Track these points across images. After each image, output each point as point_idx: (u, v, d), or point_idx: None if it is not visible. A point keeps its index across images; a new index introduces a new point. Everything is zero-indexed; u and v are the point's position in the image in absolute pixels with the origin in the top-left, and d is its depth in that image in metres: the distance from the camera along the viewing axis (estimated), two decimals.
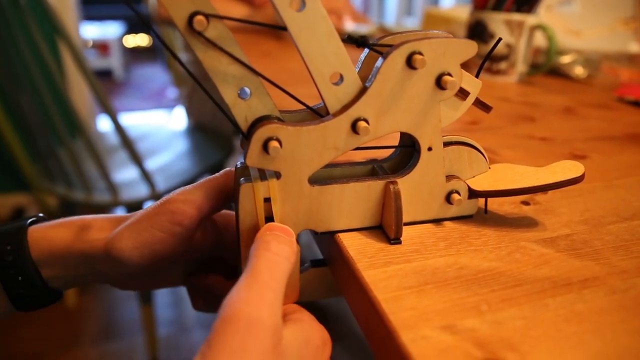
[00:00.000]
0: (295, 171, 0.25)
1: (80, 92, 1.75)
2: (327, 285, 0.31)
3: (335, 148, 0.25)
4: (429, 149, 0.27)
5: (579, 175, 0.28)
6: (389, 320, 0.21)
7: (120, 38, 3.66)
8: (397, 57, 0.24)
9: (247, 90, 0.24)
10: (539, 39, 0.70)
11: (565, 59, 0.72)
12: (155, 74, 3.83)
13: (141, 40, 4.39)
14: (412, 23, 3.02)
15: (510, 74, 0.67)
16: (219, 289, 0.34)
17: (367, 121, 0.25)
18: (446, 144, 0.28)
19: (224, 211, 0.33)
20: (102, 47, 3.46)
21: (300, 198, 0.26)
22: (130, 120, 2.78)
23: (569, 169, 0.28)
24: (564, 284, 0.24)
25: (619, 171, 0.39)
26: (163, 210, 0.29)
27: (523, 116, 0.52)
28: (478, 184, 0.28)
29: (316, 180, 0.26)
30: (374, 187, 0.27)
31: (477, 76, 0.27)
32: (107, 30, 3.56)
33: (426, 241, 0.27)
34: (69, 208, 1.10)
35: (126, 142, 0.91)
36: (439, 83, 0.25)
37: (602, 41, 0.94)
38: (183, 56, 1.44)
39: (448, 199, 0.28)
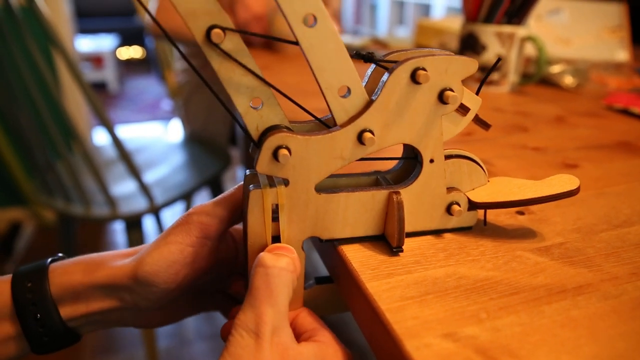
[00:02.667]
0: (303, 179, 0.26)
1: (76, 105, 1.75)
2: (331, 302, 0.31)
3: (341, 157, 0.26)
4: (431, 160, 0.28)
5: (575, 188, 0.29)
6: (393, 329, 0.22)
7: (114, 50, 3.67)
8: (402, 72, 0.25)
9: (259, 100, 0.25)
10: (530, 49, 0.72)
11: (555, 69, 0.73)
12: (149, 86, 3.84)
13: (134, 52, 4.40)
14: (403, 33, 3.06)
15: (503, 84, 0.69)
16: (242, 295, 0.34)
17: (372, 132, 0.26)
18: (447, 157, 0.29)
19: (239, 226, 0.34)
20: (96, 59, 3.47)
21: (307, 205, 0.27)
22: (126, 132, 2.78)
23: (566, 182, 0.29)
24: (559, 291, 0.25)
25: (610, 179, 0.40)
26: (189, 225, 0.29)
27: (516, 126, 0.54)
28: (477, 196, 0.29)
29: (322, 189, 0.27)
30: (377, 197, 0.28)
31: (477, 93, 0.28)
32: (100, 43, 3.57)
33: (426, 252, 0.28)
34: (67, 222, 1.10)
35: (124, 155, 0.91)
36: (442, 98, 0.26)
37: (590, 50, 0.97)
38: (178, 65, 1.45)
39: (449, 210, 0.29)
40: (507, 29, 0.66)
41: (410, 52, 0.26)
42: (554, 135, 0.51)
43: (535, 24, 0.98)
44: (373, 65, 0.28)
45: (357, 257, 0.27)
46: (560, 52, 0.95)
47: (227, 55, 0.23)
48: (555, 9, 1.01)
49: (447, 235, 0.30)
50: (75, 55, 1.95)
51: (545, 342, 0.21)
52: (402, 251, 0.28)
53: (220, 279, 0.35)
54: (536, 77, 0.68)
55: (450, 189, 0.29)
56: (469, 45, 0.69)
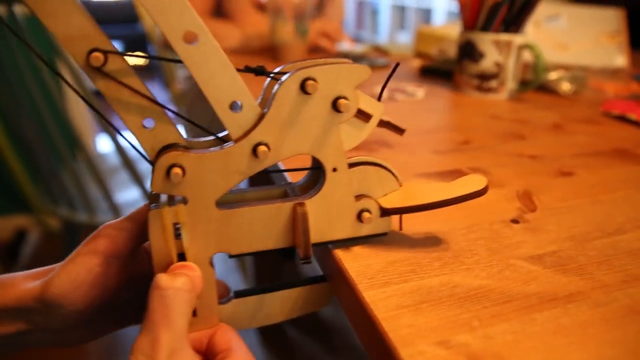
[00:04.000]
0: (201, 196, 0.26)
1: (80, 113, 1.77)
2: (253, 315, 0.31)
3: (239, 172, 0.26)
4: (334, 169, 0.28)
5: (482, 188, 0.29)
6: (388, 337, 0.23)
7: None
8: (291, 84, 0.25)
9: (151, 120, 0.25)
10: (528, 55, 0.73)
11: (553, 76, 0.74)
12: (152, 93, 3.86)
13: (137, 59, 4.43)
14: (405, 38, 3.07)
15: (501, 91, 0.70)
16: None
17: (267, 145, 0.26)
18: (353, 165, 0.28)
19: None
20: None
21: (209, 222, 0.27)
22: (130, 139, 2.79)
23: (474, 182, 0.29)
24: (551, 299, 0.26)
25: (605, 186, 0.41)
26: (97, 244, 0.28)
27: (513, 134, 0.55)
28: (389, 202, 0.29)
29: (227, 203, 0.27)
30: (282, 209, 0.28)
31: (379, 100, 0.28)
32: None
33: (422, 261, 0.29)
34: (71, 229, 1.11)
35: (127, 162, 0.92)
36: (335, 106, 0.26)
37: (589, 55, 0.97)
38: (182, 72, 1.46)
39: (359, 217, 0.29)
40: (504, 37, 0.66)
41: (304, 63, 0.26)
42: (551, 143, 0.52)
43: (533, 30, 0.99)
44: (269, 79, 0.27)
45: (354, 266, 0.28)
46: (559, 58, 0.95)
47: (110, 77, 0.23)
48: (554, 15, 1.02)
49: (443, 244, 0.31)
50: None
51: (536, 349, 0.22)
52: (310, 262, 0.28)
53: (140, 294, 0.33)
54: (534, 84, 0.69)
55: (359, 197, 0.29)
56: (467, 53, 0.70)
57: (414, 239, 0.31)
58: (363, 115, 0.27)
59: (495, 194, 0.38)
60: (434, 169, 0.43)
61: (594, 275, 0.28)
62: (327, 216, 0.29)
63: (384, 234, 0.30)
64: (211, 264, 0.28)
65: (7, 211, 1.71)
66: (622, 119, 0.61)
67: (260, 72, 0.26)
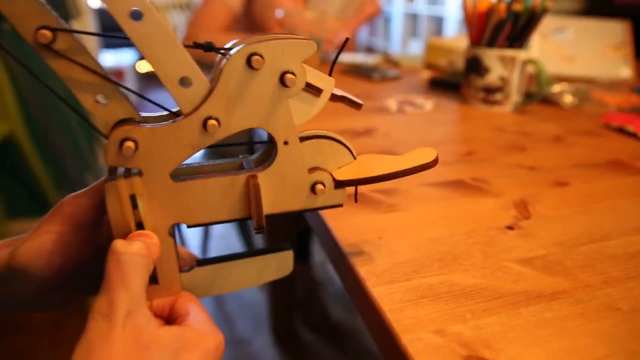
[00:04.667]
0: (155, 168, 0.27)
1: None
2: (214, 282, 0.32)
3: (191, 146, 0.27)
4: (285, 143, 0.28)
5: (431, 160, 0.30)
6: (392, 326, 0.26)
7: (134, 64, 3.78)
8: (237, 59, 0.26)
9: (104, 96, 0.25)
10: (532, 68, 0.76)
11: (556, 88, 0.77)
12: (168, 98, 3.93)
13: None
14: (416, 46, 3.10)
15: (505, 104, 0.73)
16: None
17: (217, 119, 0.26)
18: (305, 138, 0.29)
19: None
20: (117, 73, 3.58)
21: (164, 193, 0.27)
22: None
23: (424, 155, 0.31)
24: (536, 296, 0.29)
25: (597, 196, 0.44)
26: (60, 214, 0.29)
27: (515, 145, 0.58)
28: (343, 174, 0.30)
29: (183, 175, 0.28)
30: (236, 181, 0.28)
31: (330, 75, 0.29)
32: (121, 57, 3.69)
33: (424, 263, 0.32)
34: None
35: None
36: (283, 81, 0.27)
37: (594, 67, 1.00)
38: None
39: (313, 189, 0.30)
40: (509, 52, 0.70)
41: (252, 39, 0.27)
42: (550, 155, 0.55)
43: (540, 43, 1.02)
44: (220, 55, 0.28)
45: (364, 267, 0.32)
46: (566, 70, 0.98)
47: (60, 54, 0.23)
48: (561, 28, 1.05)
49: (444, 248, 0.34)
50: None
51: (519, 338, 0.26)
52: (264, 232, 0.29)
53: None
54: (537, 97, 0.72)
55: (313, 169, 0.30)
56: (473, 67, 0.73)
57: (418, 243, 0.35)
58: (313, 90, 0.28)
59: (494, 202, 0.42)
60: (439, 180, 0.47)
61: (577, 276, 0.31)
62: (280, 188, 0.29)
63: (340, 205, 0.31)
64: (171, 233, 0.28)
65: (30, 213, 1.77)
66: (621, 131, 0.64)
67: (208, 48, 0.26)
